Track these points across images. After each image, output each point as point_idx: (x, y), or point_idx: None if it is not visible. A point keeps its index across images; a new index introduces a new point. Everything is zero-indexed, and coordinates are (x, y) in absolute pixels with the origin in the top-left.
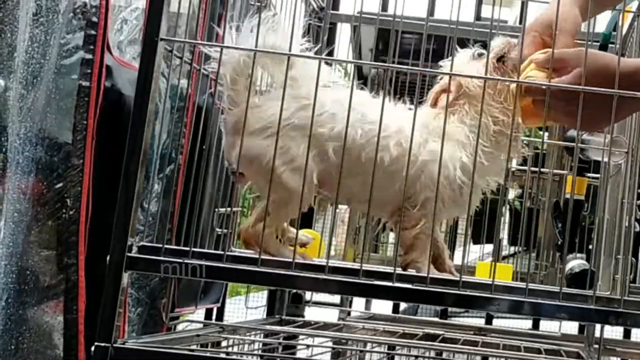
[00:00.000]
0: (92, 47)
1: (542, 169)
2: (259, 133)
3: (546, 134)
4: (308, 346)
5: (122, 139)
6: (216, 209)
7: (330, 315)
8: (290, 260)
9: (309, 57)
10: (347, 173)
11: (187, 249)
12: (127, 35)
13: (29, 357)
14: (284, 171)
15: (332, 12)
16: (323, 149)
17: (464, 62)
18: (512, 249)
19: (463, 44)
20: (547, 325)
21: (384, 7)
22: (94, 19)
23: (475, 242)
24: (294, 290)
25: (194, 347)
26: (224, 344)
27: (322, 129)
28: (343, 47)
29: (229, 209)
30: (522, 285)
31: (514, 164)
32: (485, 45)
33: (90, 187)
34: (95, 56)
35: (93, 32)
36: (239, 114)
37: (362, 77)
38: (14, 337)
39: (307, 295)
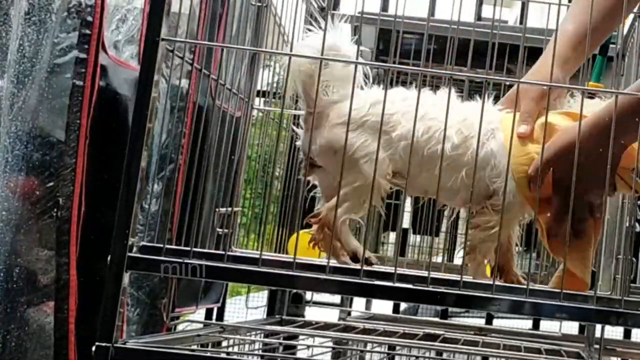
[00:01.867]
0: (86, 46)
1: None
2: (339, 127)
3: None
4: (308, 346)
5: (117, 138)
6: (217, 209)
7: (331, 315)
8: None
9: (309, 57)
10: (419, 168)
11: (188, 249)
12: (124, 35)
13: (18, 356)
14: (365, 162)
15: (332, 12)
16: (394, 147)
17: None
18: None
19: (464, 43)
20: (548, 326)
21: (385, 7)
22: (89, 18)
23: None
24: (295, 290)
25: (194, 347)
26: (224, 344)
27: (392, 131)
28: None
29: (229, 209)
30: (522, 285)
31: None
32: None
33: (84, 186)
34: (90, 55)
35: (88, 31)
36: (319, 110)
37: None
38: (2, 335)
39: (308, 295)
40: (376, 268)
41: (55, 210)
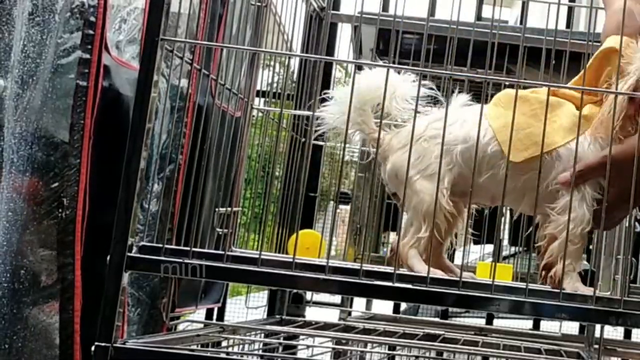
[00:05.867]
0: (89, 46)
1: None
2: (399, 150)
3: None
4: (308, 346)
5: (120, 139)
6: (216, 209)
7: (331, 316)
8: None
9: (310, 57)
10: (478, 170)
11: (187, 249)
12: (126, 35)
13: (24, 357)
14: (418, 179)
15: (332, 12)
16: (452, 154)
17: None
18: (513, 249)
19: (464, 44)
20: (548, 326)
21: (385, 7)
22: (92, 18)
23: (475, 243)
24: (295, 291)
25: (194, 347)
26: (224, 344)
27: (450, 136)
28: (344, 47)
29: (229, 209)
30: (522, 285)
31: None
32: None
33: (87, 187)
34: (93, 56)
35: (91, 31)
36: (384, 147)
37: None
38: (8, 336)
39: (308, 295)
40: (376, 268)
41: (59, 210)
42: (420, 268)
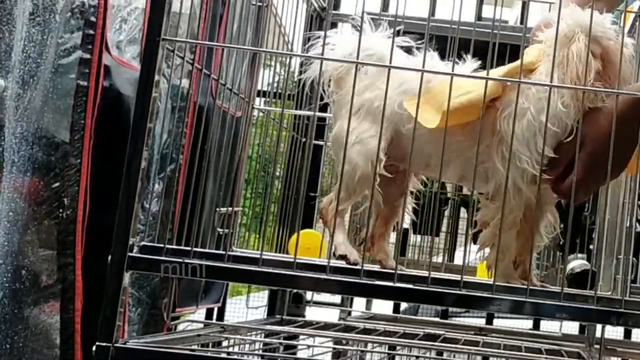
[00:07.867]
0: (90, 46)
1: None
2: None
3: None
4: (309, 346)
5: (120, 138)
6: (217, 209)
7: (331, 315)
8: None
9: (310, 56)
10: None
11: (188, 248)
12: (126, 35)
13: (25, 357)
14: (352, 147)
15: (333, 12)
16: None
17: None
18: None
19: (465, 43)
20: (548, 326)
21: (385, 7)
22: (92, 18)
23: (475, 242)
24: (295, 290)
25: (194, 347)
26: (224, 343)
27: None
28: None
29: (229, 208)
30: (522, 285)
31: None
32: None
33: (88, 187)
34: (94, 56)
35: (91, 31)
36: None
37: None
38: (9, 336)
39: (308, 295)
40: (376, 268)
41: (60, 210)
42: (340, 239)
